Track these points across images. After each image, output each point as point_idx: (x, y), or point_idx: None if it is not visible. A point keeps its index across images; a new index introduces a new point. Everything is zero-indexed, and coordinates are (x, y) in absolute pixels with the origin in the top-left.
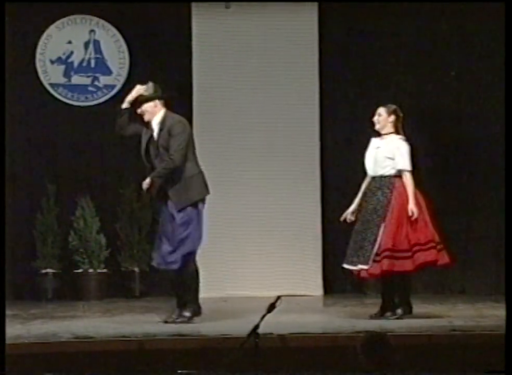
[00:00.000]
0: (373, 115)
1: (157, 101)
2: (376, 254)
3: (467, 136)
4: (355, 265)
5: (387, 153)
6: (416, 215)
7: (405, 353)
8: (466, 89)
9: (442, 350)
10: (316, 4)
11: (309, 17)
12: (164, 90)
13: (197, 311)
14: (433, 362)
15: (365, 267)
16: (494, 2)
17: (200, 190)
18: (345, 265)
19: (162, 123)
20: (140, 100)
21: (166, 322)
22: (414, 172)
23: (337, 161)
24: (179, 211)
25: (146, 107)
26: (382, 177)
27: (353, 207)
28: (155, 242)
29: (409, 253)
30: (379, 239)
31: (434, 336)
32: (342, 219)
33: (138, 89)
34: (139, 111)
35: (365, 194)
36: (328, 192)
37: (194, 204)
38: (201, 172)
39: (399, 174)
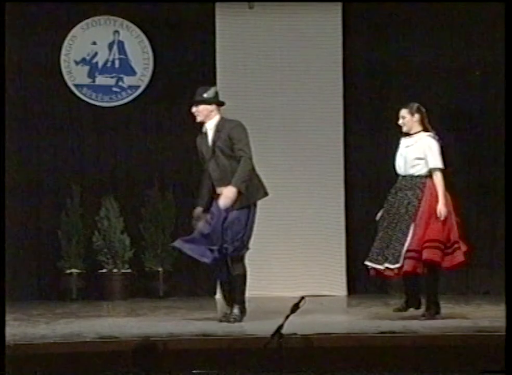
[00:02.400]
0: (397, 119)
1: (214, 105)
2: (405, 253)
3: (493, 135)
4: (381, 263)
5: (418, 153)
6: (443, 216)
7: (430, 354)
8: (490, 89)
9: (467, 350)
10: (339, 4)
11: (333, 17)
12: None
13: (244, 310)
14: (457, 362)
15: (393, 266)
16: (494, 2)
17: (256, 192)
18: (369, 263)
19: (218, 127)
20: (198, 101)
21: (220, 321)
22: (445, 171)
23: (361, 161)
24: (232, 210)
25: (203, 109)
26: (413, 176)
27: (386, 206)
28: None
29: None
30: (409, 238)
31: (459, 337)
32: (377, 218)
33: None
34: (193, 110)
35: (395, 193)
36: (351, 192)
37: (248, 205)
38: (257, 175)
39: (430, 174)
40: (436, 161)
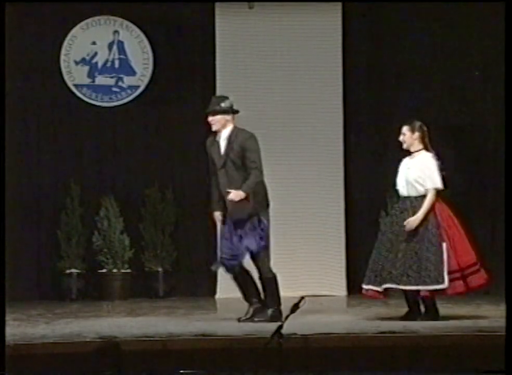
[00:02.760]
0: (399, 134)
1: (230, 115)
2: (449, 273)
3: (492, 149)
4: (408, 284)
5: (418, 176)
6: (409, 227)
7: (430, 354)
8: (490, 89)
9: (466, 350)
10: (339, 4)
11: (333, 17)
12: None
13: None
14: (457, 362)
15: (435, 287)
16: (494, 2)
17: (262, 204)
18: (389, 285)
19: (232, 137)
20: (214, 110)
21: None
22: (446, 189)
23: (361, 161)
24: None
25: (220, 118)
26: (416, 197)
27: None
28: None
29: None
30: (445, 258)
31: (459, 337)
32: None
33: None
34: (210, 119)
35: (400, 213)
36: (351, 192)
37: (256, 215)
38: (264, 187)
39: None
40: (432, 182)
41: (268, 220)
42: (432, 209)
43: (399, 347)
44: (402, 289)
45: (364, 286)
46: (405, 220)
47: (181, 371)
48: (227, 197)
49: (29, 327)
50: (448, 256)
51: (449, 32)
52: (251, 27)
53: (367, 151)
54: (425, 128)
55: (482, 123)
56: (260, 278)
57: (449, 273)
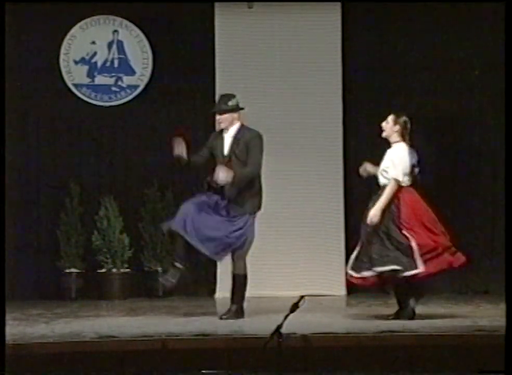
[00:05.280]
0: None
1: (237, 113)
2: (421, 256)
3: (479, 143)
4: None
5: (386, 166)
6: (369, 220)
7: (429, 353)
8: (490, 88)
9: (466, 350)
10: (339, 4)
11: (333, 17)
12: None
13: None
14: (456, 362)
15: (414, 271)
16: (494, 2)
17: (255, 205)
18: (380, 269)
19: (238, 134)
20: (222, 109)
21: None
22: (422, 180)
23: (361, 161)
24: (235, 217)
25: (228, 116)
26: (384, 186)
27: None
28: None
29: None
30: (413, 244)
31: (458, 336)
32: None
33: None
34: (218, 118)
35: (373, 201)
36: (351, 192)
37: (249, 214)
38: (260, 189)
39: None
40: (394, 172)
41: (253, 222)
42: (394, 198)
43: (398, 346)
44: (381, 275)
45: (348, 271)
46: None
47: (203, 371)
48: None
49: (28, 326)
50: (417, 242)
51: (449, 32)
52: (251, 27)
53: (366, 150)
54: (408, 125)
55: (482, 122)
56: (233, 273)
57: (421, 255)
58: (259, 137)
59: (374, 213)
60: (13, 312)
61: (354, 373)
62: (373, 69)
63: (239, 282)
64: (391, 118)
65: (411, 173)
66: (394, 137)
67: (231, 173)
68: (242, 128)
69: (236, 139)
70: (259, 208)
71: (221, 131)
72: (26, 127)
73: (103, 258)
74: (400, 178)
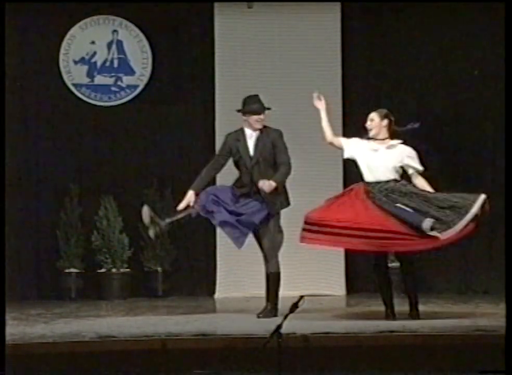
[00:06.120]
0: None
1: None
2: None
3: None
4: None
5: (399, 161)
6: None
7: (429, 353)
8: (489, 88)
9: (466, 350)
10: (339, 4)
11: (332, 17)
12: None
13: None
14: (456, 362)
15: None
16: (494, 2)
17: (284, 201)
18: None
19: (263, 135)
20: (264, 109)
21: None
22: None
23: None
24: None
25: (263, 117)
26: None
27: None
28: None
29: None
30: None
31: (458, 336)
32: None
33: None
34: (258, 117)
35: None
36: None
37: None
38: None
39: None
40: (417, 165)
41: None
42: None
43: (398, 346)
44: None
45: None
46: None
47: (195, 371)
48: (259, 186)
49: (28, 326)
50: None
51: (449, 32)
52: (250, 27)
53: None
54: (392, 118)
55: (482, 122)
56: (267, 272)
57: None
58: (282, 135)
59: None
60: (13, 312)
61: (354, 373)
62: (373, 68)
63: (273, 281)
64: (374, 114)
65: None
66: (384, 133)
67: (274, 183)
68: (266, 128)
69: (261, 139)
70: (288, 204)
71: (242, 132)
72: (26, 127)
73: (102, 258)
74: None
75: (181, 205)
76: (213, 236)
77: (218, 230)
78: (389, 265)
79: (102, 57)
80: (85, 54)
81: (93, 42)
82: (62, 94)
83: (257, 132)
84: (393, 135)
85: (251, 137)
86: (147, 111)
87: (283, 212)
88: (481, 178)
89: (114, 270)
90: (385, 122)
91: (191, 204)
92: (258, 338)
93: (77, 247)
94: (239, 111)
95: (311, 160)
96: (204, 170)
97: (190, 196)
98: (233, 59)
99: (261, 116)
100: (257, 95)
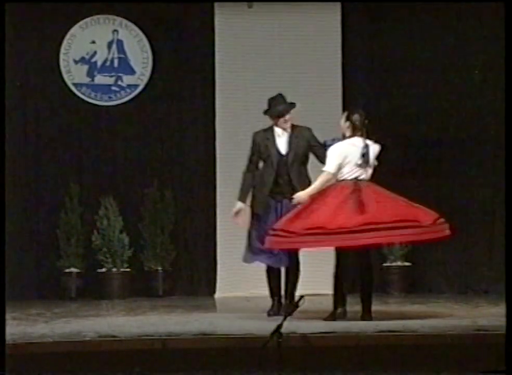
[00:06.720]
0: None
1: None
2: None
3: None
4: None
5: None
6: (297, 200)
7: (429, 353)
8: (489, 88)
9: (466, 349)
10: (339, 4)
11: (332, 16)
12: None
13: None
14: (456, 361)
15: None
16: (494, 2)
17: None
18: None
19: (295, 133)
20: (285, 111)
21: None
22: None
23: None
24: None
25: (288, 118)
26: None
27: None
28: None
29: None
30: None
31: (458, 336)
32: None
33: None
34: (287, 117)
35: None
36: None
37: None
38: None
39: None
40: (326, 164)
41: None
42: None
43: (398, 346)
44: None
45: None
46: None
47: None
48: (293, 201)
49: (28, 326)
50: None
51: (449, 32)
52: (250, 27)
53: None
54: (357, 123)
55: (482, 122)
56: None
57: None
58: (312, 131)
59: (302, 197)
60: (13, 311)
61: (354, 373)
62: (373, 68)
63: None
64: (343, 115)
65: (362, 166)
66: (347, 133)
67: (306, 193)
68: (295, 127)
69: (294, 138)
70: None
71: (271, 131)
72: (26, 127)
73: (103, 258)
74: (327, 169)
75: (235, 221)
76: (213, 236)
77: (218, 230)
78: (390, 265)
79: (103, 56)
80: (85, 54)
81: (93, 42)
82: (62, 93)
83: (289, 131)
84: (359, 135)
85: (282, 135)
86: (147, 110)
87: None
88: (482, 178)
89: (114, 270)
90: (347, 123)
91: (241, 215)
92: (258, 338)
93: (77, 247)
94: (265, 113)
95: (311, 160)
96: (243, 176)
97: (239, 207)
98: (233, 59)
99: (287, 117)
100: (280, 94)
